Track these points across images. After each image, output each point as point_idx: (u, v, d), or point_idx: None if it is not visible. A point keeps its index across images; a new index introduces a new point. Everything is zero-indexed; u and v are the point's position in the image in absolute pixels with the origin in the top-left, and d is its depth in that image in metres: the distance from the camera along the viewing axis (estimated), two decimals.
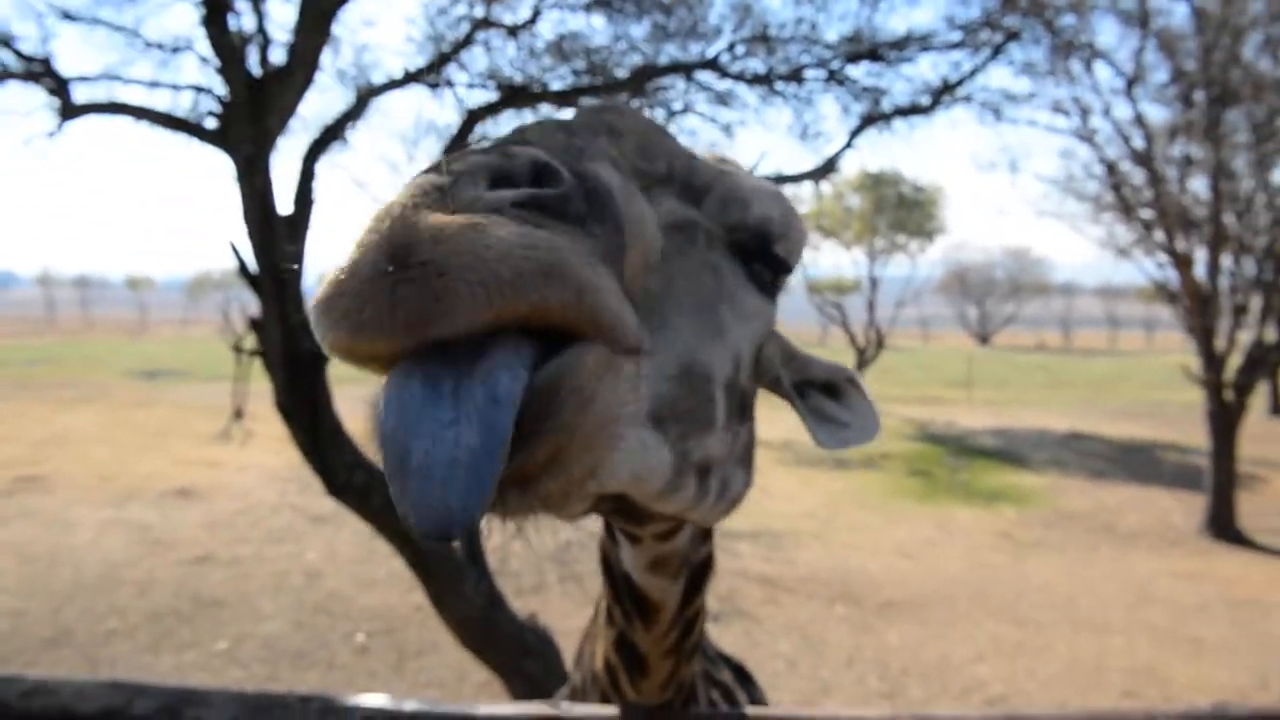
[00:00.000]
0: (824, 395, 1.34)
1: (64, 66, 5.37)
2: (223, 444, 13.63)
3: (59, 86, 5.38)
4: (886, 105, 7.24)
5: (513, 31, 6.21)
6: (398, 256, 0.56)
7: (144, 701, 1.43)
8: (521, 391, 0.59)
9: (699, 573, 1.34)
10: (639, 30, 6.91)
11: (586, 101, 6.62)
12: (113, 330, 57.03)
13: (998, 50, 6.99)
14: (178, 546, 9.64)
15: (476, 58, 6.46)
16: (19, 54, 5.38)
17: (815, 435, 1.28)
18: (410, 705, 1.41)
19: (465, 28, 6.08)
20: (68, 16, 5.53)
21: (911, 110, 7.27)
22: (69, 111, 5.37)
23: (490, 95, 6.26)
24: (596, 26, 6.78)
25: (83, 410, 19.83)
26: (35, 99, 5.48)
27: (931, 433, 19.98)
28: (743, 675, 2.54)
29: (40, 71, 5.42)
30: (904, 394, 27.47)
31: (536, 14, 6.20)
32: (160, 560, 9.16)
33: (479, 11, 6.11)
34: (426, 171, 0.64)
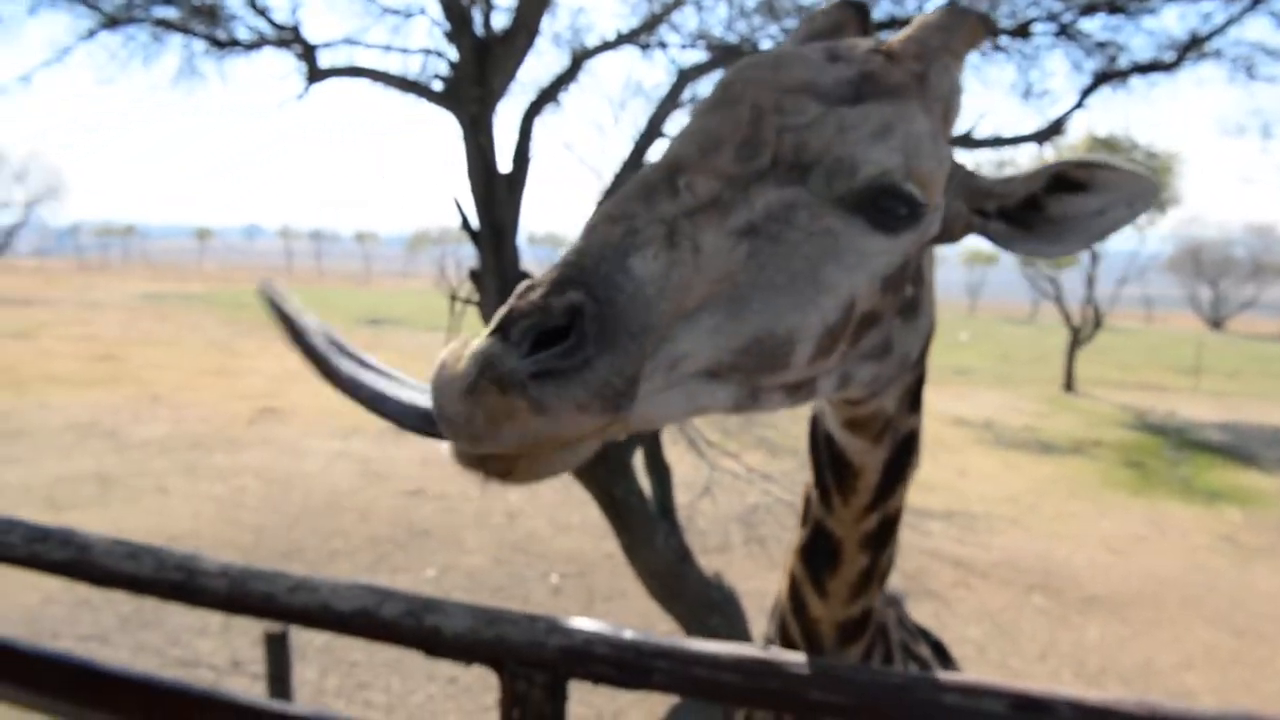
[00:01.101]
0: (1060, 196, 1.18)
1: (309, 34, 5.84)
2: None
3: (307, 52, 5.86)
4: (1124, 62, 6.67)
5: None
6: (464, 409, 0.82)
7: (392, 605, 1.60)
8: None
9: (905, 447, 1.34)
10: None
11: None
12: (341, 280, 61.98)
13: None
14: (394, 479, 10.48)
15: (688, 18, 6.48)
16: (272, 22, 5.90)
17: (1051, 251, 1.17)
18: (629, 633, 1.50)
19: None
20: None
21: (1152, 67, 6.64)
22: (315, 75, 5.85)
23: (701, 55, 6.28)
24: None
25: None
26: (285, 65, 6.01)
27: (1150, 422, 18.45)
28: (941, 652, 2.50)
29: (290, 39, 5.93)
30: (1122, 378, 25.51)
31: None
32: (379, 490, 9.99)
33: None
34: (493, 331, 0.85)
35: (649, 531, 5.73)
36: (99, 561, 1.94)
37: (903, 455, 1.35)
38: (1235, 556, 9.56)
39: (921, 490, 11.40)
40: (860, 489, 1.34)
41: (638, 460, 6.09)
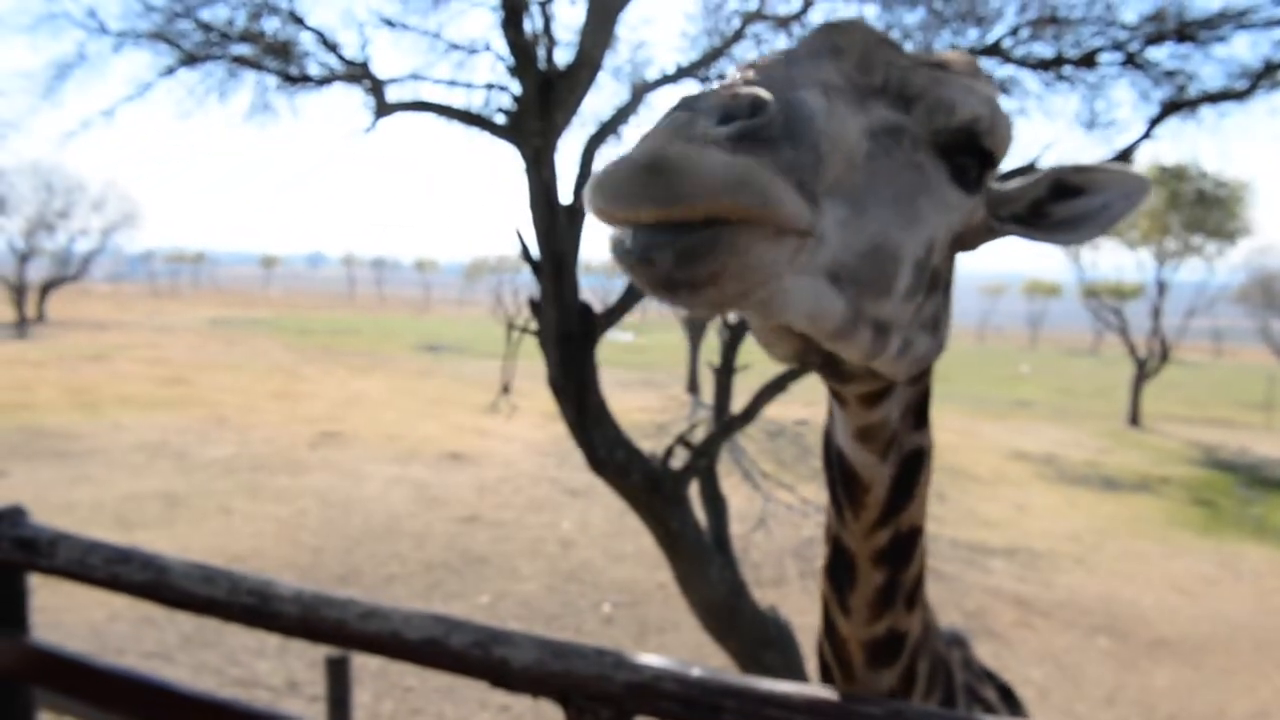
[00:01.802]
0: (1062, 200, 1.29)
1: (377, 69, 6.00)
2: (491, 415, 14.74)
3: (375, 87, 6.02)
4: (1193, 91, 6.53)
5: (783, 22, 6.21)
6: (652, 166, 0.82)
7: (460, 635, 1.61)
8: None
9: (910, 464, 1.37)
10: (913, 17, 6.68)
11: None
12: (401, 307, 63.11)
13: None
14: (450, 505, 10.58)
15: (746, 50, 6.53)
16: (343, 59, 6.08)
17: (1067, 239, 1.27)
18: (697, 671, 1.50)
19: (737, 22, 6.16)
20: (388, 23, 6.18)
21: (1223, 96, 6.49)
22: (383, 109, 6.00)
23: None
24: (869, 14, 6.62)
25: (374, 376, 22.13)
26: (354, 99, 6.18)
27: (1220, 459, 17.84)
28: (1009, 696, 2.43)
29: (360, 74, 6.09)
30: (1189, 413, 24.74)
31: (808, 3, 6.16)
32: (435, 516, 10.08)
33: (753, 4, 6.17)
34: (677, 109, 0.87)
35: (703, 564, 5.68)
36: (177, 584, 1.99)
37: (910, 472, 1.37)
38: None
39: (982, 526, 11.16)
40: (870, 504, 1.37)
41: (693, 491, 6.07)
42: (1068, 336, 59.39)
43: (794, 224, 0.87)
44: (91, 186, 37.47)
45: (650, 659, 1.54)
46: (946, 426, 18.81)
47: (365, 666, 6.12)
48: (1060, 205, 1.28)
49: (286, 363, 24.16)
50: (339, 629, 1.73)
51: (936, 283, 1.17)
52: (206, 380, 19.82)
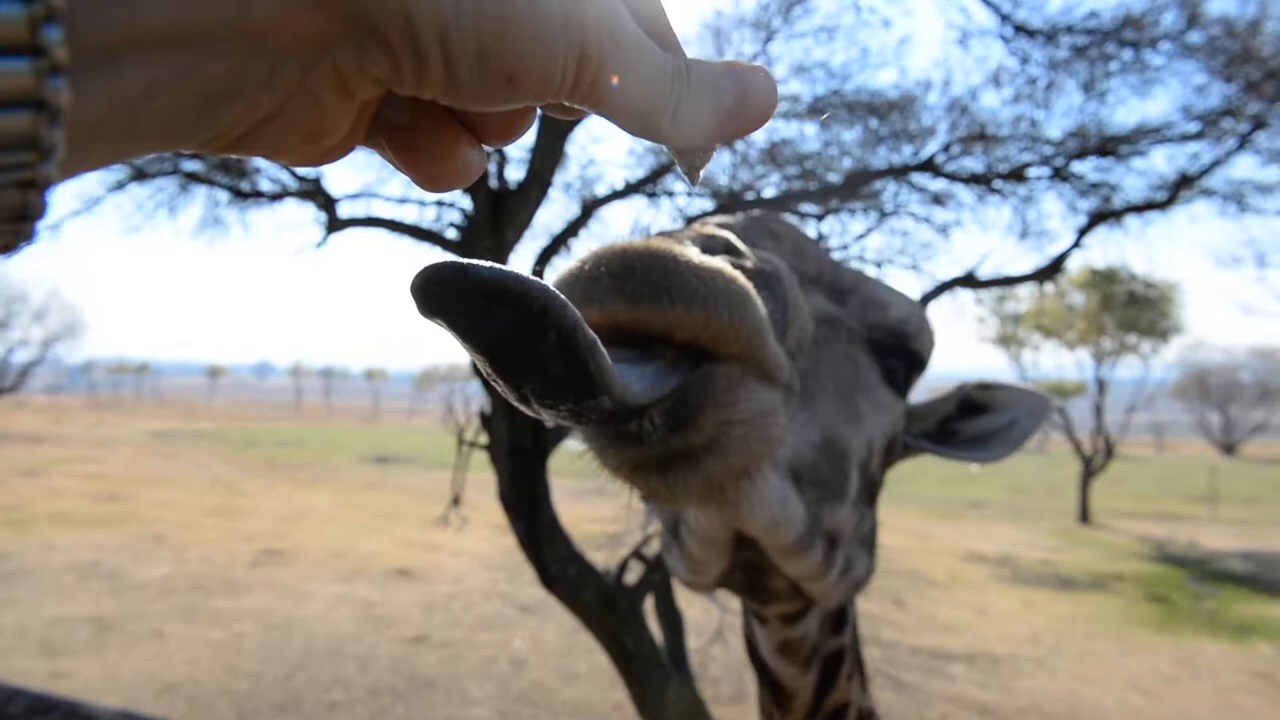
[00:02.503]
0: (969, 418, 1.31)
1: (329, 185, 6.05)
2: (440, 528, 14.39)
3: (327, 203, 6.06)
4: (1118, 202, 6.85)
5: (729, 142, 6.42)
6: (650, 253, 0.67)
7: None
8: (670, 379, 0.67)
9: (831, 665, 1.35)
10: (851, 135, 6.96)
11: (802, 206, 6.72)
12: (350, 417, 62.25)
13: (1244, 140, 6.48)
14: (396, 625, 10.19)
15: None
16: (295, 175, 6.12)
17: (982, 457, 1.26)
18: None
19: None
20: None
21: (1146, 206, 6.83)
22: (335, 225, 6.03)
23: (706, 203, 6.48)
24: (808, 133, 6.89)
25: (320, 490, 21.60)
26: (306, 214, 6.21)
27: (1170, 553, 18.02)
28: None
29: (312, 190, 6.14)
30: (1137, 509, 25.07)
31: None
32: (381, 637, 9.69)
33: None
34: (655, 236, 0.77)
35: (660, 682, 5.52)
36: None
37: (831, 673, 1.36)
38: (1272, 695, 9.14)
39: (942, 631, 11.05)
40: (796, 707, 1.37)
41: (648, 605, 5.93)
42: None
43: (780, 372, 0.76)
44: (34, 296, 36.94)
45: None
46: (902, 529, 18.79)
47: None
48: (968, 422, 1.29)
49: (228, 477, 23.50)
50: None
51: (873, 492, 1.14)
52: (144, 496, 19.15)
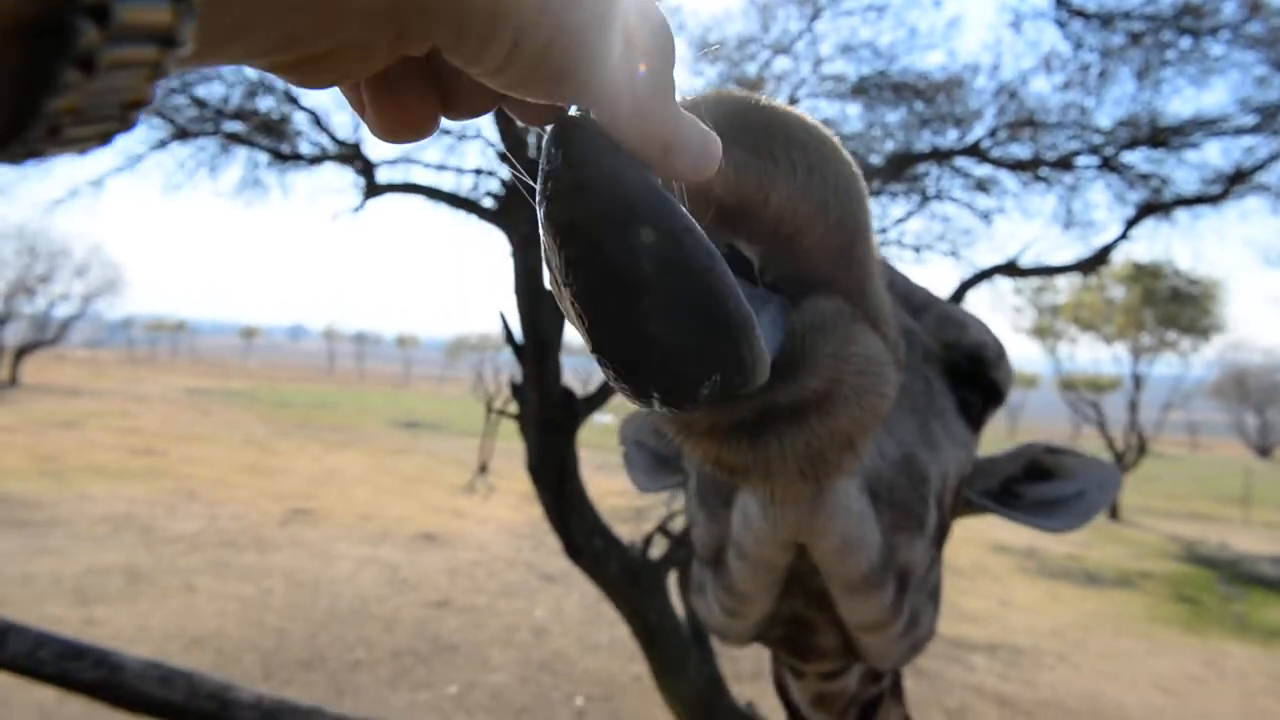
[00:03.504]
0: (1035, 482, 1.23)
1: (368, 150, 6.06)
2: (467, 495, 14.54)
3: (366, 168, 6.08)
4: (1168, 194, 6.70)
5: None
6: (779, 113, 0.57)
7: None
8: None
9: (867, 711, 1.27)
10: (895, 116, 6.86)
11: None
12: (381, 382, 62.85)
13: None
14: (421, 589, 10.32)
15: None
16: (335, 139, 6.14)
17: (1051, 526, 1.16)
18: None
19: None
20: None
21: (1197, 200, 6.68)
22: (372, 190, 6.05)
23: None
24: (851, 114, 6.79)
25: (350, 452, 21.87)
26: (345, 178, 6.23)
27: (1200, 554, 17.78)
28: None
29: (351, 155, 6.16)
30: (1169, 507, 24.75)
31: (793, 102, 6.31)
32: (405, 600, 9.82)
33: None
34: None
35: (680, 657, 5.54)
36: (131, 684, 1.89)
37: (869, 712, 1.28)
38: None
39: (964, 620, 10.99)
40: None
41: (671, 581, 5.95)
42: (1045, 429, 59.78)
43: (885, 321, 0.65)
44: (76, 252, 37.53)
45: None
46: None
47: None
48: (1033, 487, 1.22)
49: (261, 436, 23.85)
50: None
51: (943, 538, 1.03)
52: (178, 451, 19.49)
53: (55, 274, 36.55)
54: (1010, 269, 6.27)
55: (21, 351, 35.13)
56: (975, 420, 1.03)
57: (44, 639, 2.07)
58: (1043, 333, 24.84)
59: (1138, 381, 24.41)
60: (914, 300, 1.02)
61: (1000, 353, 1.04)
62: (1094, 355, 26.13)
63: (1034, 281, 23.40)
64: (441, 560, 11.68)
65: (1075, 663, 9.86)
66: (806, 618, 0.94)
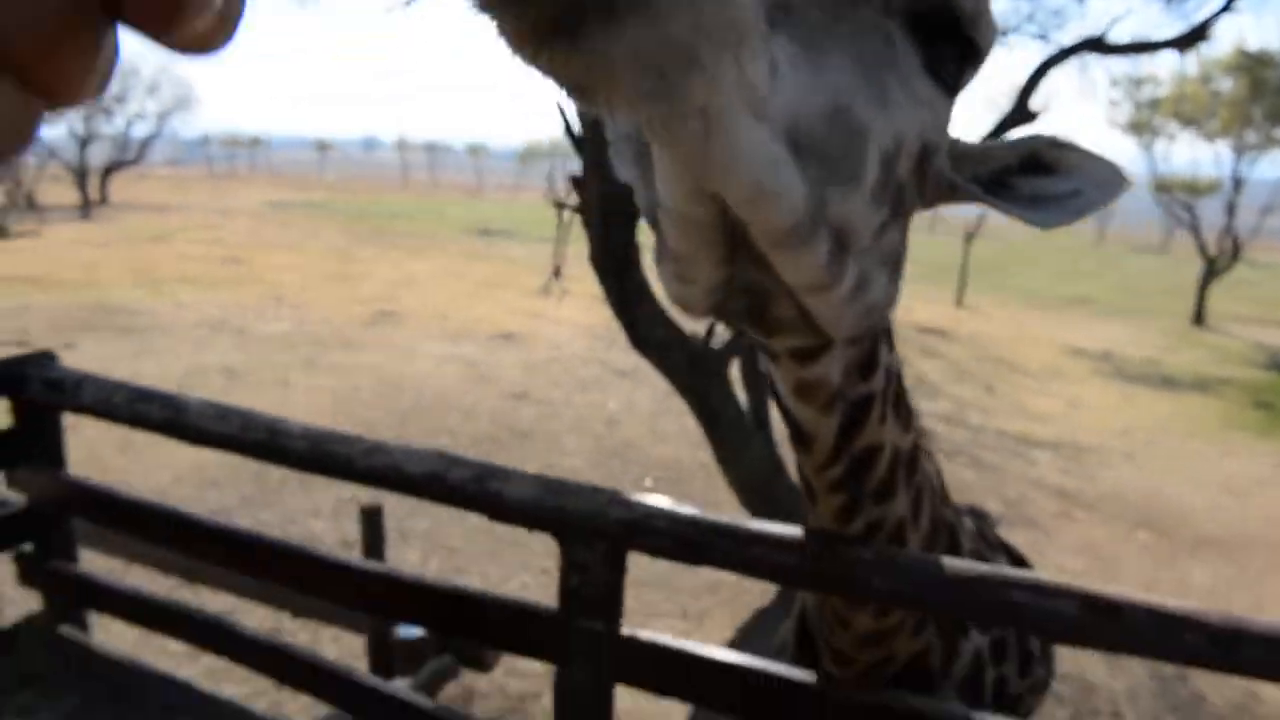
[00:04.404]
0: (1030, 175, 1.15)
1: None
2: (542, 298, 14.84)
3: None
4: None
5: None
6: None
7: (459, 470, 1.66)
8: None
9: (858, 410, 1.27)
10: None
11: None
12: (454, 191, 63.08)
13: None
14: (499, 383, 10.78)
15: None
16: None
17: (1031, 218, 1.09)
18: (688, 510, 1.52)
19: None
20: None
21: None
22: None
23: None
24: None
25: (427, 259, 22.32)
26: None
27: None
28: (1022, 566, 2.43)
29: None
30: (1258, 314, 23.89)
31: None
32: (484, 393, 10.30)
33: None
34: None
35: (743, 442, 5.75)
36: (193, 422, 2.07)
37: (857, 418, 1.28)
38: None
39: (1030, 419, 11.07)
40: (817, 450, 1.30)
41: (735, 371, 6.08)
42: (1136, 233, 57.26)
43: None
44: (145, 70, 37.60)
45: (645, 497, 1.56)
46: (1002, 318, 18.48)
47: (415, 528, 6.40)
48: (1028, 180, 1.14)
49: (341, 245, 24.45)
50: (346, 464, 1.80)
51: (901, 204, 0.95)
52: (264, 261, 20.18)
53: (129, 93, 36.82)
54: (1098, 45, 5.82)
55: (108, 171, 36.05)
56: (949, 82, 0.96)
57: (118, 386, 2.27)
58: (1139, 128, 23.31)
59: (1237, 184, 22.93)
60: None
61: (978, 5, 0.94)
62: (1193, 155, 24.45)
63: (1131, 73, 21.68)
64: (518, 357, 12.11)
65: (1141, 462, 9.91)
66: (762, 286, 0.92)
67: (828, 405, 1.24)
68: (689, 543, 1.48)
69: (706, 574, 6.11)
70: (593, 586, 1.56)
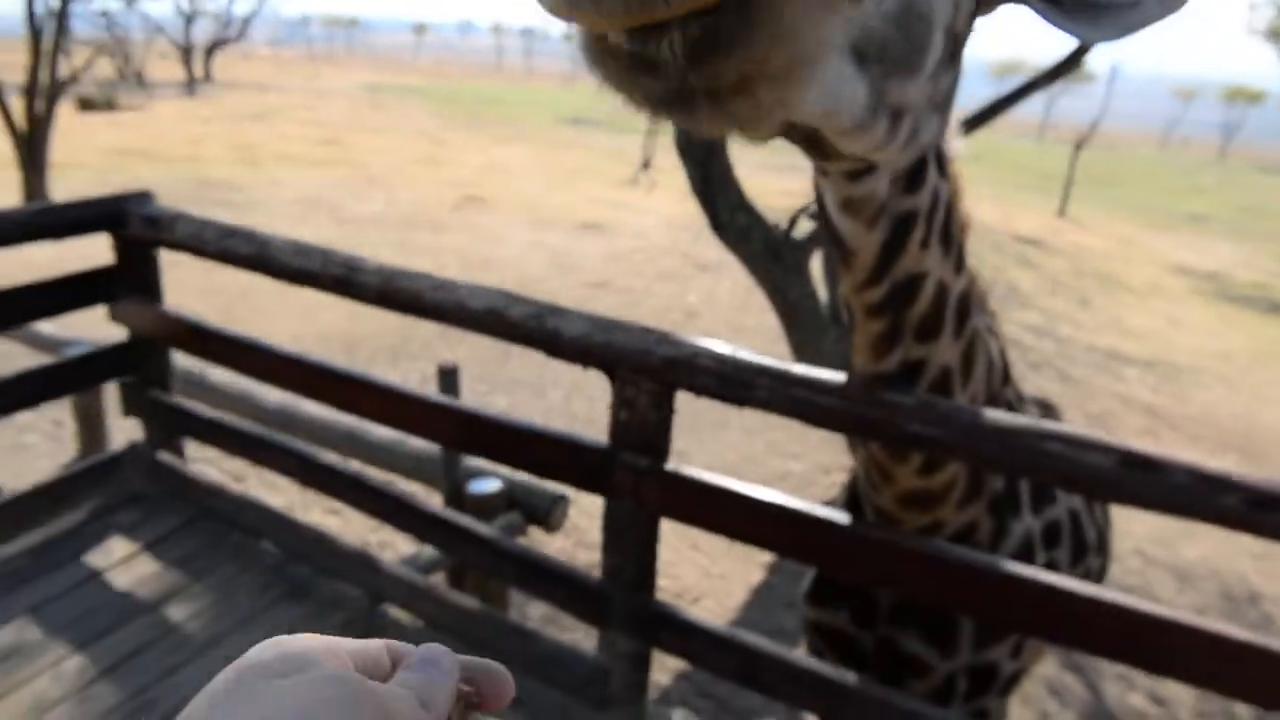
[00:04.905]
0: None
1: None
2: (630, 189, 14.77)
3: None
4: None
5: None
6: None
7: (519, 308, 1.72)
8: None
9: (901, 226, 1.29)
10: None
11: None
12: (548, 79, 62.31)
13: None
14: (581, 271, 10.88)
15: None
16: None
17: (1084, 34, 1.06)
18: (733, 350, 1.56)
19: None
20: None
21: None
22: None
23: None
24: None
25: (517, 146, 22.32)
26: None
27: None
28: (1053, 418, 2.41)
29: None
30: None
31: None
32: (566, 280, 10.42)
33: None
34: None
35: (818, 335, 5.73)
36: (276, 257, 2.19)
37: (900, 235, 1.29)
38: None
39: (1124, 336, 10.70)
40: (857, 267, 1.33)
41: (816, 266, 6.02)
42: (1265, 151, 53.36)
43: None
44: None
45: (692, 337, 1.61)
46: (1106, 233, 17.65)
47: (492, 405, 6.61)
48: None
49: (433, 129, 24.58)
50: (414, 299, 1.88)
51: (957, 51, 0.97)
52: (358, 143, 20.47)
53: None
54: None
55: (212, 48, 36.71)
56: None
57: (207, 223, 2.39)
58: None
59: None
60: None
61: None
62: None
63: None
64: (602, 246, 12.16)
65: (1236, 385, 9.52)
66: (819, 135, 0.95)
67: (873, 220, 1.27)
68: (733, 382, 1.52)
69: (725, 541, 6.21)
70: (640, 423, 1.63)
